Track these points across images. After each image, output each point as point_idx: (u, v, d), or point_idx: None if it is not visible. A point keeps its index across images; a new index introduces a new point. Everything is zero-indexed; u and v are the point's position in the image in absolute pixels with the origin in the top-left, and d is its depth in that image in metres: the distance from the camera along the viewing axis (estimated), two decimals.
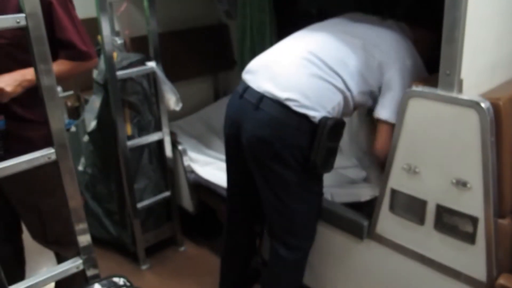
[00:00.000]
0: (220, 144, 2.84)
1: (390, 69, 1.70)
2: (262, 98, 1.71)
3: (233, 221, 2.17)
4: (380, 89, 1.74)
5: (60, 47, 1.74)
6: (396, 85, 1.69)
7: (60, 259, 2.06)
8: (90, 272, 1.49)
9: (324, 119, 1.66)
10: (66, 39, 1.73)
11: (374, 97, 1.77)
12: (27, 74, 1.61)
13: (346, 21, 1.87)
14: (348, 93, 1.72)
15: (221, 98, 3.41)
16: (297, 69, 1.71)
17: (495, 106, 1.38)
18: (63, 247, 1.96)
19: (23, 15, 1.17)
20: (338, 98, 1.71)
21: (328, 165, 1.74)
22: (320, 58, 1.71)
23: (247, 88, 1.78)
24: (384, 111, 1.70)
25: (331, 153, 1.72)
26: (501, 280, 1.46)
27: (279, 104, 1.67)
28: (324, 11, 2.91)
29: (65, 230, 1.88)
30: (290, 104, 1.66)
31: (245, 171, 1.88)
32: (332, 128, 1.65)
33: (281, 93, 1.67)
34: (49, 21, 1.66)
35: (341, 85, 1.70)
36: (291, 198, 1.81)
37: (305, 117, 1.66)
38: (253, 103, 1.72)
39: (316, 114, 1.66)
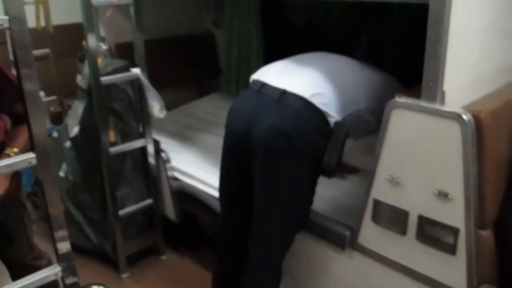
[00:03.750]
0: (202, 141, 2.87)
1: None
2: (284, 92, 1.73)
3: (228, 226, 2.11)
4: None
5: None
6: None
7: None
8: (69, 280, 1.46)
9: (339, 123, 1.72)
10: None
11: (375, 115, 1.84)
12: None
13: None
14: (362, 106, 1.81)
15: (203, 97, 3.42)
16: (319, 74, 1.78)
17: (476, 118, 1.40)
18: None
19: (6, 17, 1.16)
20: (355, 107, 1.79)
21: (336, 169, 1.77)
22: (339, 70, 1.81)
23: (263, 85, 1.80)
24: None
25: (340, 158, 1.76)
26: None
27: (302, 100, 1.71)
28: (310, 23, 2.94)
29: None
30: (314, 100, 1.70)
31: (244, 172, 1.85)
32: (346, 133, 1.72)
33: (305, 90, 1.72)
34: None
35: (357, 97, 1.79)
36: (288, 203, 1.81)
37: (323, 116, 1.71)
38: (274, 97, 1.74)
39: (334, 115, 1.72)
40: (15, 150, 1.76)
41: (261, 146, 1.75)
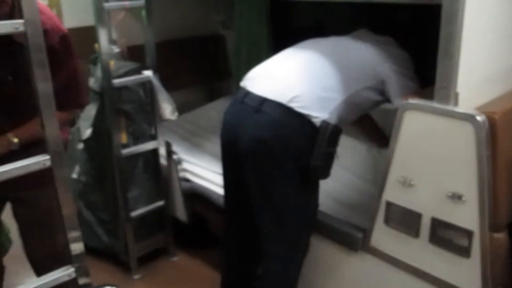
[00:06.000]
0: (212, 146, 2.87)
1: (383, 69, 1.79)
2: (263, 101, 1.72)
3: (230, 232, 2.12)
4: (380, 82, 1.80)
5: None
6: (392, 78, 1.77)
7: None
8: (82, 281, 1.47)
9: (325, 123, 1.68)
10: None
11: (377, 90, 1.82)
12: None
13: (344, 38, 1.93)
14: (349, 93, 1.76)
15: (212, 102, 3.41)
16: (297, 73, 1.76)
17: (490, 120, 1.39)
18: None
19: (21, 21, 1.17)
20: (339, 100, 1.74)
21: (327, 170, 1.75)
22: (319, 64, 1.77)
23: (247, 93, 1.79)
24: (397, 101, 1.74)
25: (330, 158, 1.73)
26: None
27: (281, 107, 1.69)
28: (320, 23, 2.93)
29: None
30: (293, 105, 1.67)
31: (241, 180, 1.86)
32: (332, 133, 1.68)
33: (283, 96, 1.69)
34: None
35: (341, 88, 1.74)
36: (287, 208, 1.80)
37: (306, 119, 1.68)
38: (254, 106, 1.73)
39: (318, 115, 1.68)
40: (15, 140, 1.67)
41: (246, 156, 1.78)
